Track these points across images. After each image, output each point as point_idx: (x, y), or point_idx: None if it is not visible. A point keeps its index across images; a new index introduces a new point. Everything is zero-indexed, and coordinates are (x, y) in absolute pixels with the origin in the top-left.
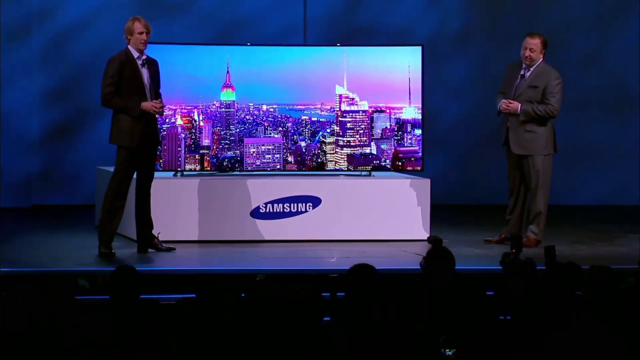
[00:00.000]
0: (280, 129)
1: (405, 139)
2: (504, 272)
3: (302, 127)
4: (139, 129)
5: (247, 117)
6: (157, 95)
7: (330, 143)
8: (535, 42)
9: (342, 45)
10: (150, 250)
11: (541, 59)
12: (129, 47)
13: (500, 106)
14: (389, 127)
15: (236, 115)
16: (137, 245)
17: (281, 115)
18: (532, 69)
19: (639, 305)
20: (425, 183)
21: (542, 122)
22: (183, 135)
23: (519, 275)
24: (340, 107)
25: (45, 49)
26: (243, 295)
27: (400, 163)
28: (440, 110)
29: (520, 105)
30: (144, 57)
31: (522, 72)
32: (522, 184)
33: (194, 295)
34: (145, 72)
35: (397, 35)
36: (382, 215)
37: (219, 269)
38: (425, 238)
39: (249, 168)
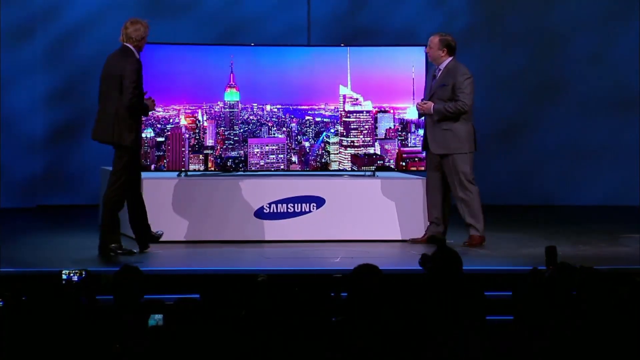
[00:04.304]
0: (284, 129)
1: (409, 139)
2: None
3: (306, 127)
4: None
5: (251, 117)
6: None
7: (334, 143)
8: (432, 40)
9: (345, 45)
10: (150, 244)
11: (449, 58)
12: (133, 50)
13: (416, 107)
14: (392, 127)
15: (240, 115)
16: (138, 245)
17: (285, 116)
18: (442, 68)
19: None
20: None
21: (458, 120)
22: (187, 135)
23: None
24: (344, 107)
25: (49, 49)
26: (246, 295)
27: (404, 163)
28: None
29: (432, 105)
30: None
31: (434, 72)
32: (443, 183)
33: (197, 296)
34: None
35: (401, 36)
36: (386, 216)
37: (223, 269)
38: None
39: (253, 168)
